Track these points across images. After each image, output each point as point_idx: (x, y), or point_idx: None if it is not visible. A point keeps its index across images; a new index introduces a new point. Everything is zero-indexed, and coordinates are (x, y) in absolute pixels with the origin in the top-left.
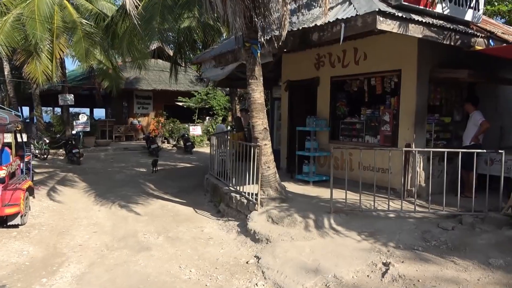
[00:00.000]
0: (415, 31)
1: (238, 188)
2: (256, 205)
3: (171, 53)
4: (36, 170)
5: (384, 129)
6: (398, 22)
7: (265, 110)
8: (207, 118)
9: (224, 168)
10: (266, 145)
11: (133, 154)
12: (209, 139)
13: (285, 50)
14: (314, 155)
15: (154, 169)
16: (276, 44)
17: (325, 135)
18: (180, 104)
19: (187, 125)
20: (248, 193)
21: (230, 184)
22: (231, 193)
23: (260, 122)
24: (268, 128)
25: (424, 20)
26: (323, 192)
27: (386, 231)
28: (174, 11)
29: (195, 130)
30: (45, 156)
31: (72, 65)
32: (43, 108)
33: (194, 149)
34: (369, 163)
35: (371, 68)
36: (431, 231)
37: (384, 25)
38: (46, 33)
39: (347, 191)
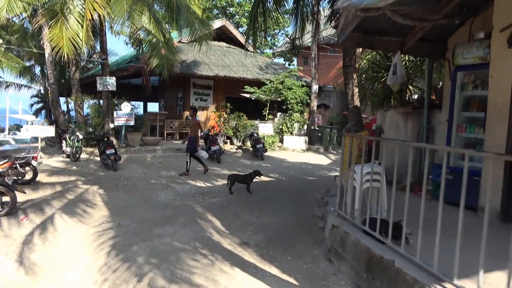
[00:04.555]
0: None
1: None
2: None
3: (236, 34)
4: (51, 179)
5: None
6: None
7: None
8: (279, 114)
9: (378, 206)
10: None
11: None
12: (340, 139)
13: None
14: None
15: (230, 188)
16: None
17: None
18: (247, 95)
19: (256, 122)
20: None
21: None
22: None
23: None
24: None
25: None
26: None
27: None
28: None
29: (265, 128)
30: (78, 156)
31: (120, 48)
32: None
33: (265, 153)
34: None
35: None
36: None
37: None
38: None
39: None
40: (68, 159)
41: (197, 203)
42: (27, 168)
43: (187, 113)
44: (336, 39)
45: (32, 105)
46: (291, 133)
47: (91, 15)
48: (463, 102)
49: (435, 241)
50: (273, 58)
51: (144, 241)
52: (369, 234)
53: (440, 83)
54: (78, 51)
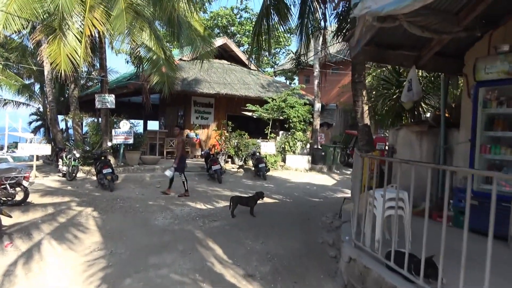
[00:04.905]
0: None
1: None
2: None
3: (238, 52)
4: (43, 200)
5: None
6: None
7: None
8: (281, 132)
9: (405, 237)
10: None
11: (187, 176)
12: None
13: None
14: None
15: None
16: None
17: None
18: (249, 114)
19: (258, 141)
20: None
21: None
22: None
23: None
24: None
25: None
26: None
27: None
28: None
29: (267, 147)
30: (74, 175)
31: (120, 66)
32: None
33: (267, 173)
34: None
35: None
36: None
37: None
38: (77, 6)
39: None
40: (64, 178)
41: (197, 228)
42: (18, 189)
43: (188, 131)
44: (339, 56)
45: (30, 123)
46: (294, 152)
47: (90, 32)
48: (486, 120)
49: (468, 277)
50: (274, 76)
51: (138, 272)
52: (393, 270)
53: (451, 101)
54: (77, 68)
